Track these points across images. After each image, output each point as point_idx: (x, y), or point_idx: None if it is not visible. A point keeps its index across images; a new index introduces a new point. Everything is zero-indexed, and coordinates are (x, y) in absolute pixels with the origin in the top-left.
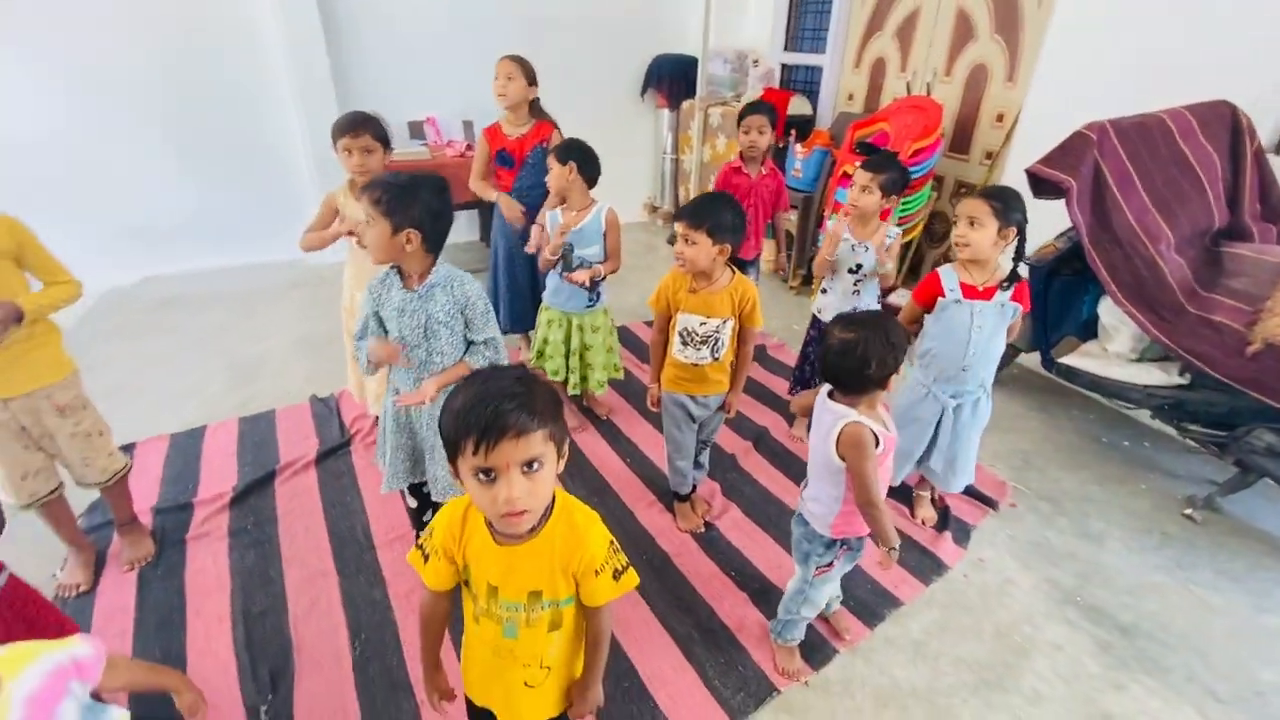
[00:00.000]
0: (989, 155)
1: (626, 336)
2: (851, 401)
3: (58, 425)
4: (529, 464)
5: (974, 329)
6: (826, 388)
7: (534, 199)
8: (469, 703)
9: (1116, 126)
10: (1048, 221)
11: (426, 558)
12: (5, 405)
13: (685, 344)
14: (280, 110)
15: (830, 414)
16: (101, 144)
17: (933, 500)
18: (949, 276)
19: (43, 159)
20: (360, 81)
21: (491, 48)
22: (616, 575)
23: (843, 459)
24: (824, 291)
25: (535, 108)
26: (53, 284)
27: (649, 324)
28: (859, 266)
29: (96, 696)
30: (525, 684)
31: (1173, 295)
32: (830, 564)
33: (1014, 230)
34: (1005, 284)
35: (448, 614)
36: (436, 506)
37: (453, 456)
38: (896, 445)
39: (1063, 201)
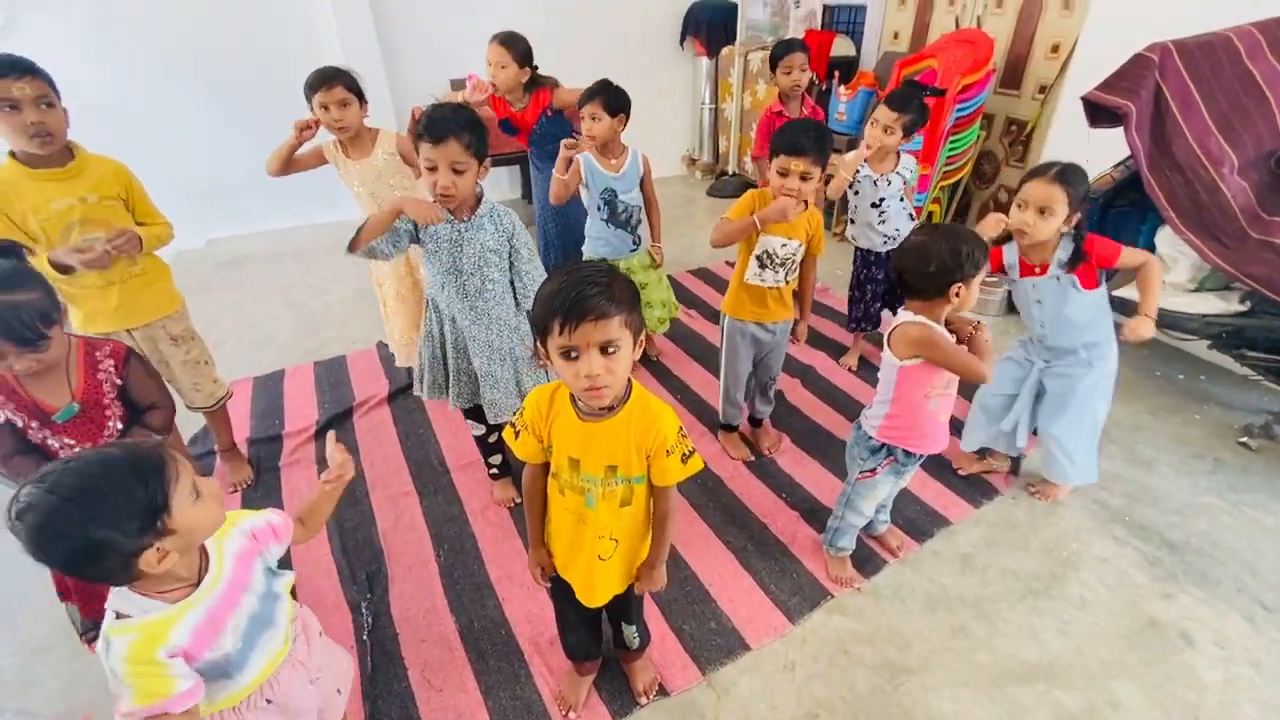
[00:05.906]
0: (1042, 89)
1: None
2: (918, 309)
3: (171, 353)
4: (607, 345)
5: (1032, 304)
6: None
7: (552, 151)
8: (554, 578)
9: (1180, 47)
10: (1104, 153)
11: (518, 433)
12: (129, 335)
13: (764, 266)
14: None
15: (896, 319)
16: (161, 114)
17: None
18: (1010, 253)
19: (103, 127)
20: (403, 44)
21: (527, 3)
22: (684, 459)
23: (914, 357)
24: (852, 222)
25: (531, 81)
26: (152, 225)
27: (692, 273)
28: (881, 200)
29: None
30: (599, 557)
31: (1235, 221)
32: (874, 470)
33: (1080, 214)
34: (1066, 265)
35: (544, 490)
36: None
37: (542, 338)
38: (980, 401)
39: (1119, 130)
